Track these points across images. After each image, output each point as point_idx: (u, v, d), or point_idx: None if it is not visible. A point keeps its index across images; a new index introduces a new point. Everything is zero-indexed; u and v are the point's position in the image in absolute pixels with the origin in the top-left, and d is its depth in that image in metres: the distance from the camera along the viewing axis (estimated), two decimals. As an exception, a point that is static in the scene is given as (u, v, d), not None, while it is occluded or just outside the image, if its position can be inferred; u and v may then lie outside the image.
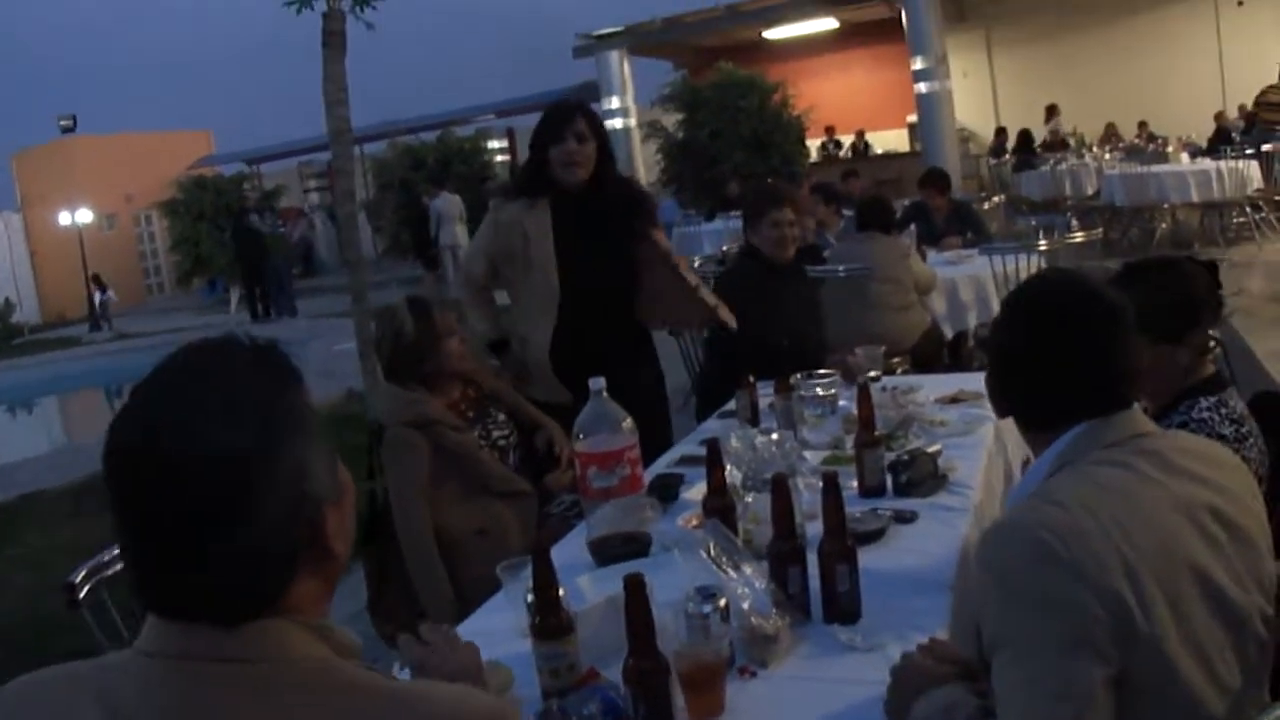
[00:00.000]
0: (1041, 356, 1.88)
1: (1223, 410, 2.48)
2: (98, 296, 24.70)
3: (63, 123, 30.07)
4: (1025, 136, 19.76)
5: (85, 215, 27.33)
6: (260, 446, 1.20)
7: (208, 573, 1.18)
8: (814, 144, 22.43)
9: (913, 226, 8.73)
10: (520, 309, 4.25)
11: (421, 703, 1.26)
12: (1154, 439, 1.81)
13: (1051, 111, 20.88)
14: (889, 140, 23.72)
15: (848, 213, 9.65)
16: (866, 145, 23.23)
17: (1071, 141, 19.97)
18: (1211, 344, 2.61)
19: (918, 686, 1.80)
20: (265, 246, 20.26)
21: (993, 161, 20.37)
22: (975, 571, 1.73)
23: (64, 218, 27.45)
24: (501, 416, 3.75)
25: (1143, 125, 20.27)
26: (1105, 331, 1.84)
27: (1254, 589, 1.70)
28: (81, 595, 2.63)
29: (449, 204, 19.16)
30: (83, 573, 2.65)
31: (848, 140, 23.54)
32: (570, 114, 4.07)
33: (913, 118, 20.30)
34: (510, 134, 27.04)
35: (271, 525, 1.20)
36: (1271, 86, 15.64)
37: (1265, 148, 13.80)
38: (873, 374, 4.18)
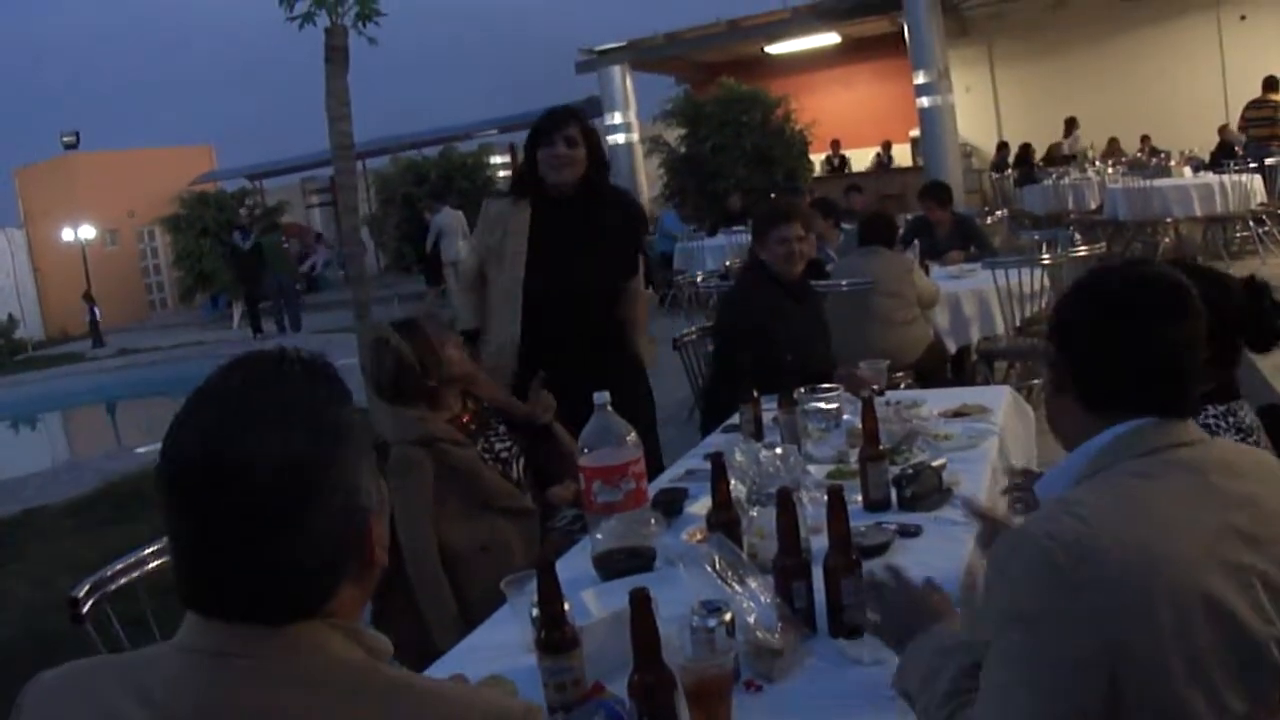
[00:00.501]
0: (1142, 335, 1.80)
1: (1230, 419, 2.48)
2: (90, 313, 24.80)
3: (66, 139, 30.10)
4: (1027, 151, 19.80)
5: (88, 231, 27.34)
6: (315, 455, 1.24)
7: (261, 577, 1.22)
8: (818, 158, 22.46)
9: (916, 241, 8.75)
10: (489, 305, 4.33)
11: (460, 702, 1.30)
12: (1194, 449, 1.76)
13: (1071, 125, 20.89)
14: (892, 155, 23.75)
15: (847, 226, 9.68)
16: (890, 159, 23.20)
17: (1091, 154, 20.01)
18: (1231, 357, 2.59)
19: (919, 617, 1.84)
20: (254, 262, 20.20)
21: (995, 176, 20.38)
22: (986, 569, 1.71)
23: (67, 233, 27.47)
24: (503, 428, 3.75)
25: (1145, 139, 20.26)
26: (1197, 334, 1.81)
27: (1276, 617, 1.63)
28: (85, 610, 2.62)
29: (450, 219, 19.16)
30: (86, 587, 2.63)
31: (858, 154, 23.57)
32: (562, 119, 4.15)
33: (915, 132, 20.30)
34: (513, 149, 27.03)
35: (324, 532, 1.24)
36: (1252, 103, 15.67)
37: (1269, 161, 13.80)
38: (876, 388, 4.19)
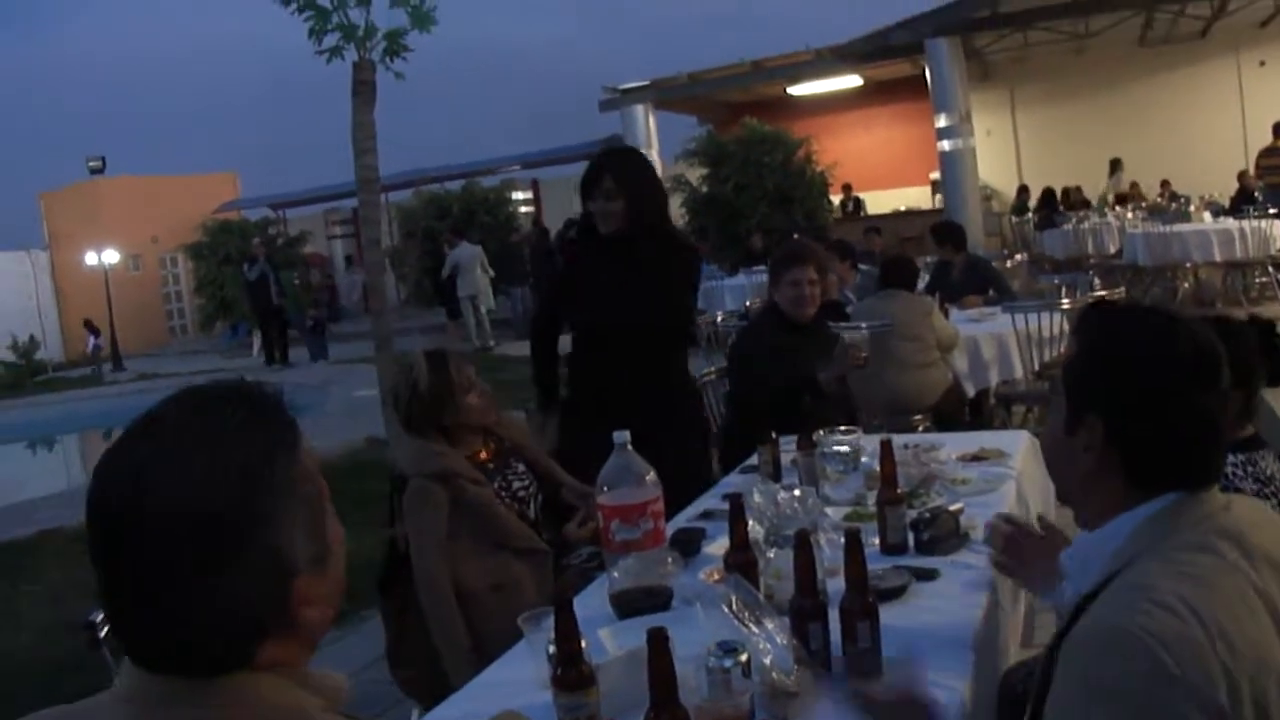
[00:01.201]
0: (1188, 407, 1.74)
1: (1250, 468, 2.49)
2: (90, 341, 24.99)
3: (91, 164, 30.40)
4: (1049, 194, 19.83)
5: (111, 256, 27.53)
6: (240, 511, 1.18)
7: (173, 631, 1.17)
8: (838, 199, 22.52)
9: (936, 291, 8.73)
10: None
11: None
12: (1228, 514, 1.72)
13: (1115, 166, 20.89)
14: (911, 197, 23.81)
15: (864, 268, 9.69)
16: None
17: (1142, 190, 20.11)
18: (1251, 406, 2.58)
19: None
20: (263, 293, 20.25)
21: (1015, 219, 20.42)
22: (1067, 676, 1.59)
23: (90, 258, 27.65)
24: (521, 467, 3.76)
25: (1165, 184, 20.33)
26: (1228, 394, 1.79)
27: None
28: (103, 634, 2.63)
29: (468, 253, 19.25)
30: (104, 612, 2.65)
31: (880, 195, 23.63)
32: (597, 174, 4.25)
33: (936, 174, 20.35)
34: (535, 185, 27.23)
35: (240, 593, 1.18)
36: (1264, 150, 15.76)
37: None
38: (864, 355, 4.49)
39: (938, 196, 21.21)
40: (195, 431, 1.21)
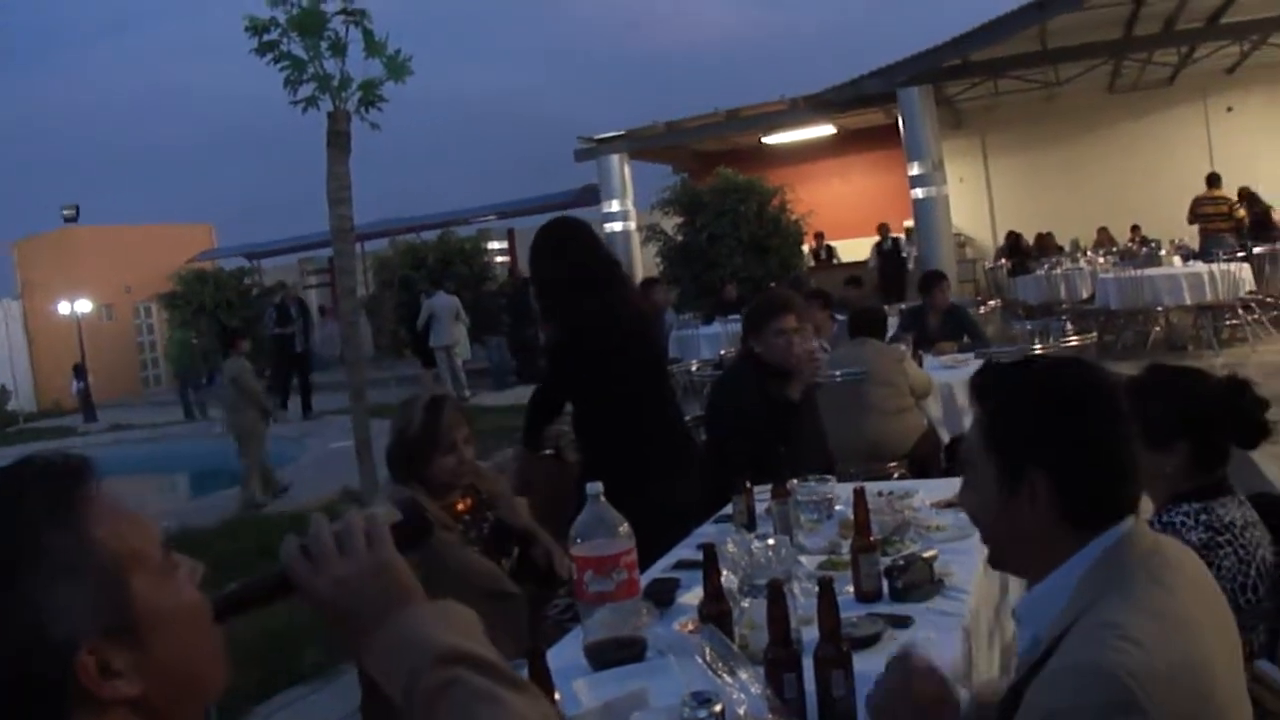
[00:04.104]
0: (1111, 438, 1.78)
1: (1202, 517, 2.51)
2: (75, 385, 24.85)
3: (65, 212, 30.39)
4: (1018, 240, 20.01)
5: (85, 305, 27.46)
6: None
7: None
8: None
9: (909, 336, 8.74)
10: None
11: None
12: (1163, 549, 1.77)
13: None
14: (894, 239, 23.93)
15: (840, 317, 9.72)
16: (893, 243, 22.85)
17: (1113, 234, 20.42)
18: (1206, 456, 2.61)
19: None
20: (285, 341, 20.19)
21: (988, 266, 20.56)
22: (1033, 714, 1.61)
23: (63, 307, 27.58)
24: (499, 519, 3.76)
25: (1135, 229, 20.56)
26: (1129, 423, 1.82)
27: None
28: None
29: (443, 303, 19.25)
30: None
31: (854, 244, 23.70)
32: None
33: (909, 222, 20.47)
34: (511, 235, 27.26)
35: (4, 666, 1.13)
36: (1200, 198, 16.18)
37: (1257, 250, 14.02)
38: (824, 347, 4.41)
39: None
40: None
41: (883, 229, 21.05)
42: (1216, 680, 1.60)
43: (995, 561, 2.00)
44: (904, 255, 20.38)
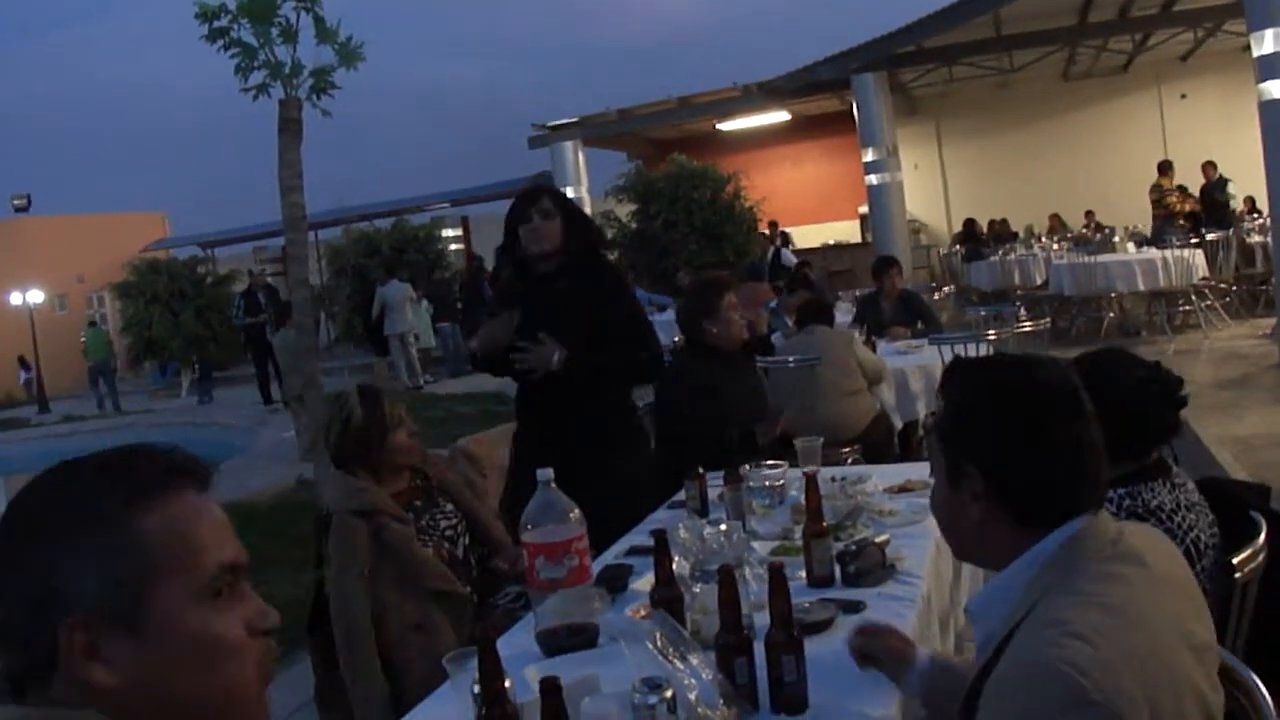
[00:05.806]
0: (1059, 440, 1.79)
1: (1126, 503, 2.53)
2: (22, 376, 24.61)
3: (16, 202, 29.99)
4: (971, 227, 20.11)
5: (36, 295, 27.14)
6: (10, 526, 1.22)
7: None
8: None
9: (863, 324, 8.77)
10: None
11: None
12: (1124, 540, 1.77)
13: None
14: (840, 231, 24.02)
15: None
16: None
17: (1066, 221, 20.63)
18: (1129, 443, 2.60)
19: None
20: (258, 332, 19.90)
21: (943, 252, 20.67)
22: (993, 705, 1.62)
23: (14, 297, 27.25)
24: (450, 506, 3.74)
25: (1089, 215, 20.74)
26: (1096, 427, 1.83)
27: (1219, 686, 1.70)
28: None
29: (397, 292, 19.13)
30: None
31: (809, 230, 23.76)
32: (535, 193, 4.23)
33: (864, 208, 20.54)
34: (465, 223, 27.17)
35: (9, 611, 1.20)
36: (1154, 185, 16.42)
37: (1210, 236, 14.15)
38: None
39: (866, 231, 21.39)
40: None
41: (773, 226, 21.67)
42: (1176, 667, 1.61)
43: (958, 553, 2.06)
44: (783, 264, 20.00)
